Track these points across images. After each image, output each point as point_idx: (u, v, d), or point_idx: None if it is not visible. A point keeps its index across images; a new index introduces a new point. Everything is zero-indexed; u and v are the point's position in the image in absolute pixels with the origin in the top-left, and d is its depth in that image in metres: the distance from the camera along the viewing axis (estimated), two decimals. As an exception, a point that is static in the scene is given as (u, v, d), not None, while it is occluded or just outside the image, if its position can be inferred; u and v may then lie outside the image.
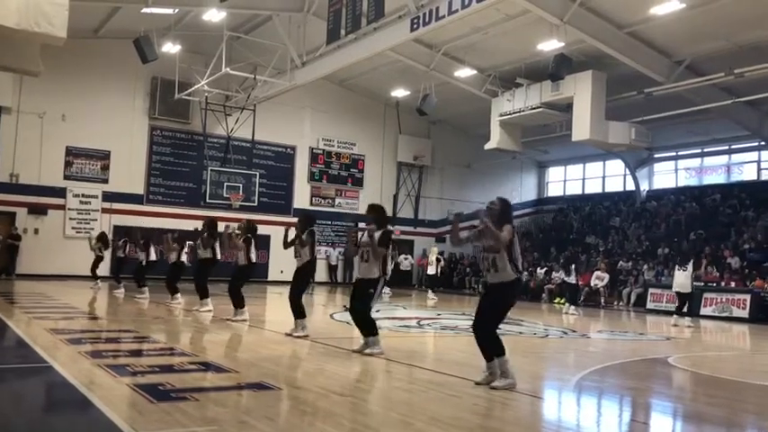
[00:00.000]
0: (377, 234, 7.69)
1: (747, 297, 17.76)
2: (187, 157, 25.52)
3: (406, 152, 29.40)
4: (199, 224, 12.89)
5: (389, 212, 28.90)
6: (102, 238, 18.21)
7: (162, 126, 25.05)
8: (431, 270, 21.45)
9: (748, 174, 26.19)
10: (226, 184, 25.46)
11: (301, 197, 27.60)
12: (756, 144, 24.86)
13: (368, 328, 7.74)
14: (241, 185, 25.73)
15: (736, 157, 26.74)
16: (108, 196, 23.91)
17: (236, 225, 11.77)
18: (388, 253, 7.78)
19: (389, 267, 7.92)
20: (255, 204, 25.53)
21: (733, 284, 18.93)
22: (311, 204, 27.48)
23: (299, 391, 5.68)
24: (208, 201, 24.76)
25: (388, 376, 6.84)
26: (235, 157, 25.87)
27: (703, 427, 5.19)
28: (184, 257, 13.91)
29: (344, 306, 12.44)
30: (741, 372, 8.34)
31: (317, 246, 9.27)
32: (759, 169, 25.71)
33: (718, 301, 18.17)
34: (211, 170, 25.15)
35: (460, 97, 24.46)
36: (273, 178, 27.01)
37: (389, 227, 8.01)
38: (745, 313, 17.44)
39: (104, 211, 23.83)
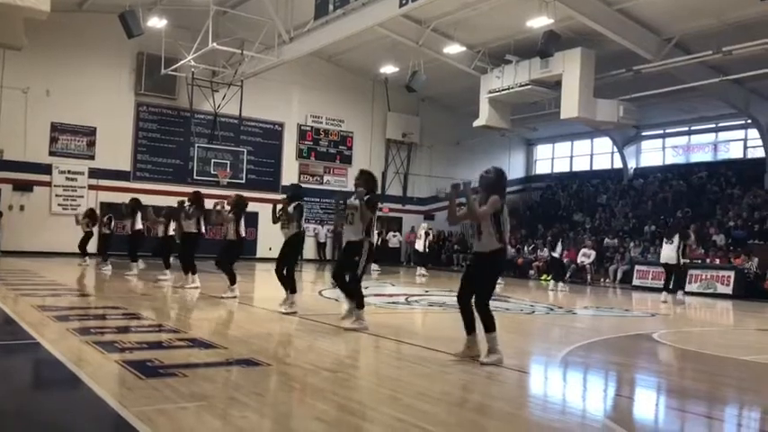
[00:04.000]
0: (364, 197, 7.73)
1: (731, 274, 18.00)
2: (174, 134, 25.32)
3: (394, 129, 29.31)
4: (185, 199, 12.81)
5: (378, 190, 28.98)
6: (90, 214, 18.11)
7: (148, 102, 24.80)
8: (419, 247, 21.50)
9: (734, 152, 26.36)
10: (213, 160, 25.37)
11: (289, 174, 27.49)
12: (743, 122, 24.99)
13: (356, 297, 7.78)
14: (228, 162, 25.63)
15: (722, 135, 26.89)
16: (94, 173, 23.73)
17: (225, 201, 11.71)
18: (374, 217, 7.80)
19: (375, 231, 7.93)
20: (243, 181, 25.44)
21: (718, 261, 19.15)
22: (299, 181, 27.40)
23: (288, 368, 5.72)
24: (195, 177, 24.65)
25: (376, 352, 6.89)
26: (222, 134, 25.70)
27: (686, 402, 5.29)
28: (172, 231, 13.84)
29: (332, 282, 12.47)
30: (724, 347, 8.46)
31: (304, 222, 9.26)
32: (745, 147, 25.87)
33: (703, 277, 18.38)
34: (198, 147, 25.00)
35: (449, 74, 24.35)
36: (261, 155, 26.89)
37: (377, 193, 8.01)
38: (729, 290, 17.68)
39: (91, 187, 23.66)
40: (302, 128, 27.86)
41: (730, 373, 6.70)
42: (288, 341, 7.50)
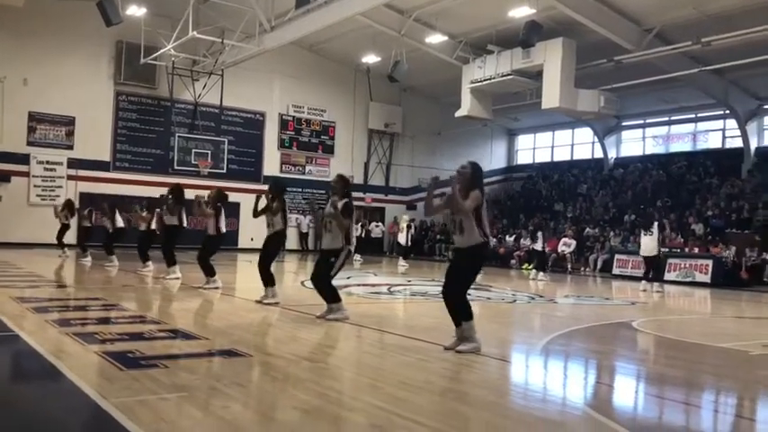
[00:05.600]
0: (339, 204, 7.70)
1: (709, 262, 18.22)
2: (154, 124, 25.09)
3: (377, 119, 29.27)
4: (166, 191, 12.73)
5: (361, 180, 28.97)
6: (68, 205, 17.91)
7: (128, 91, 24.53)
8: (401, 238, 21.53)
9: (713, 142, 26.64)
10: (194, 150, 25.18)
11: (271, 164, 27.38)
12: (721, 113, 25.26)
13: (330, 295, 7.79)
14: (209, 152, 25.46)
15: (701, 126, 27.16)
16: (73, 163, 23.45)
17: (205, 194, 11.63)
18: (352, 223, 7.79)
19: (353, 237, 7.93)
20: (224, 171, 25.30)
21: (696, 250, 19.39)
22: (281, 172, 27.29)
23: (269, 358, 5.71)
24: (176, 168, 24.46)
25: (358, 342, 6.91)
26: (203, 124, 25.51)
27: (665, 388, 5.36)
28: (154, 225, 13.75)
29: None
30: (702, 335, 8.58)
31: (287, 215, 9.24)
32: (724, 137, 26.16)
33: (682, 266, 18.59)
34: (179, 136, 24.79)
35: (431, 64, 24.34)
36: (243, 145, 26.73)
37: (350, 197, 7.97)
38: (707, 278, 17.90)
39: (70, 178, 23.40)
40: (284, 117, 27.73)
41: (708, 359, 6.79)
42: (269, 331, 7.49)
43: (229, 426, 3.66)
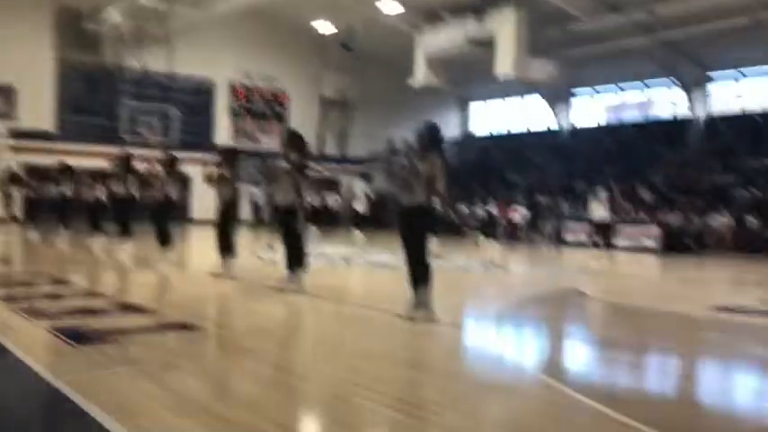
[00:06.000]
0: (295, 159, 7.65)
1: (657, 228, 18.76)
2: (100, 92, 24.29)
3: (330, 88, 28.95)
4: (114, 161, 12.35)
5: (315, 150, 28.69)
6: (12, 177, 17.30)
7: (71, 58, 23.64)
8: (359, 207, 21.40)
9: (661, 111, 27.18)
10: (142, 119, 24.52)
11: (222, 133, 26.89)
12: (670, 82, 25.73)
13: (297, 259, 7.72)
14: (158, 121, 24.84)
15: (651, 95, 27.64)
16: (15, 133, 22.60)
17: (155, 161, 11.24)
18: (305, 181, 7.73)
19: (308, 197, 7.88)
20: (174, 140, 24.74)
21: (645, 216, 19.91)
22: (233, 141, 26.83)
23: (224, 331, 5.66)
24: (124, 137, 23.80)
25: (315, 313, 6.90)
26: (150, 92, 24.82)
27: (614, 352, 5.51)
28: (103, 196, 13.36)
29: (269, 244, 12.37)
30: (650, 298, 8.83)
31: (239, 183, 9.11)
32: (672, 107, 26.70)
33: (631, 233, 19.08)
34: (126, 105, 24.08)
35: (385, 32, 24.13)
36: (192, 113, 26.13)
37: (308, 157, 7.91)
38: (654, 243, 18.44)
39: (12, 149, 22.56)
40: (234, 86, 27.18)
41: (655, 323, 7.00)
42: (224, 304, 7.41)
43: (184, 399, 3.62)
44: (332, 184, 29.39)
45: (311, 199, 22.75)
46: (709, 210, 19.41)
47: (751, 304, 8.15)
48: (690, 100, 24.64)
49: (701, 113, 24.78)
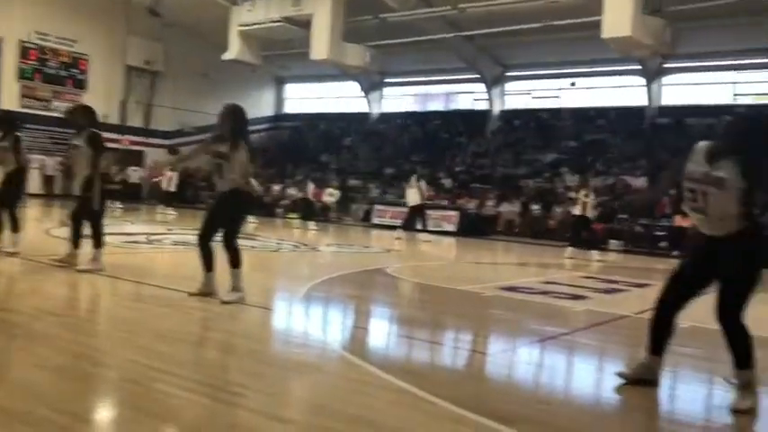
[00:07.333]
0: (84, 134, 7.20)
1: (456, 214, 20.07)
2: None
3: (136, 55, 27.19)
4: None
5: (118, 120, 26.87)
6: None
7: None
8: (166, 183, 20.39)
9: (464, 103, 29.01)
10: None
11: (9, 97, 24.18)
12: (472, 76, 27.52)
13: (93, 237, 7.24)
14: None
15: (454, 87, 29.37)
16: None
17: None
18: (98, 155, 7.27)
19: (100, 170, 7.40)
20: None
21: (446, 202, 21.18)
22: (22, 106, 24.26)
23: (8, 314, 5.14)
24: None
25: (112, 294, 6.51)
26: None
27: (414, 329, 5.82)
28: None
29: (62, 221, 11.42)
30: (446, 279, 9.44)
31: (26, 153, 8.28)
32: (472, 100, 28.60)
33: (433, 217, 20.18)
34: None
35: (199, 2, 23.13)
36: (-28, 73, 23.24)
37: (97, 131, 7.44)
38: (453, 227, 19.70)
39: None
40: (25, 45, 24.56)
41: (451, 301, 7.51)
42: (8, 284, 6.74)
43: (-45, 391, 3.25)
44: (135, 158, 27.74)
45: (112, 173, 21.34)
46: (501, 198, 21.12)
47: (532, 284, 9.04)
48: (489, 95, 26.55)
49: (497, 108, 26.80)
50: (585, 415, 3.71)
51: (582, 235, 14.53)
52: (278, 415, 3.28)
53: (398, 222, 17.22)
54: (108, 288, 6.66)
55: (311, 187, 19.09)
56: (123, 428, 3.10)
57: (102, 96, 26.23)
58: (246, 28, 22.44)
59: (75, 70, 25.98)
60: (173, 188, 20.38)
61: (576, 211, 14.18)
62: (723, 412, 3.80)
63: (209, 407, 3.33)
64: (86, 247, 7.29)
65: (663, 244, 16.63)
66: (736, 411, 3.72)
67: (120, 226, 14.39)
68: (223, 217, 6.01)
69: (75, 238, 7.34)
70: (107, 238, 7.71)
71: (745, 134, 3.69)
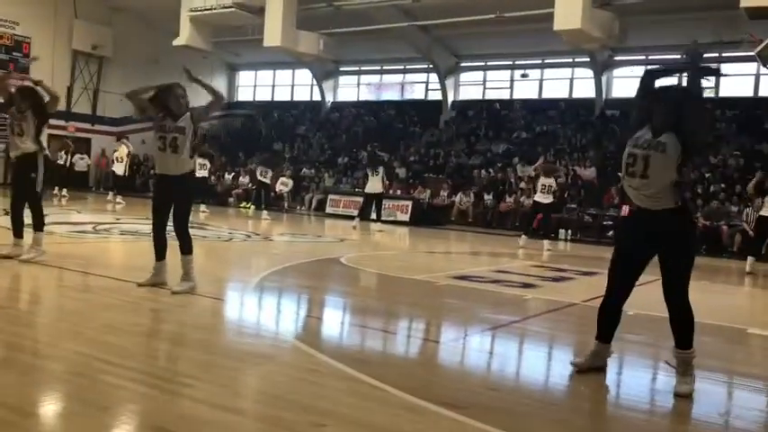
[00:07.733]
0: (27, 101, 7.03)
1: (409, 203, 20.15)
2: None
3: (82, 40, 26.37)
4: None
5: (64, 106, 26.05)
6: None
7: None
8: (119, 170, 19.69)
9: (418, 93, 29.08)
10: None
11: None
12: (426, 66, 27.59)
13: (34, 222, 7.03)
14: None
15: (409, 77, 29.41)
16: None
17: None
18: (43, 127, 7.07)
19: (46, 149, 7.19)
20: None
21: (399, 192, 21.24)
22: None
23: (-56, 306, 4.97)
24: None
25: (58, 285, 6.34)
26: None
27: (367, 318, 5.84)
28: None
29: (4, 210, 11.05)
30: (400, 268, 9.48)
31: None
32: (426, 90, 28.69)
33: (386, 206, 20.22)
34: None
35: (148, -15, 22.59)
36: None
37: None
38: (406, 217, 19.79)
39: None
40: (-36, 27, 23.61)
41: (404, 290, 7.55)
42: (-55, 276, 6.50)
43: None
44: (82, 144, 26.97)
45: (60, 159, 20.71)
46: (455, 188, 21.28)
47: (484, 273, 9.16)
48: (443, 85, 26.67)
49: (451, 98, 26.95)
50: (534, 400, 3.78)
51: (548, 221, 14.32)
52: (229, 405, 3.25)
53: (353, 212, 17.20)
54: (53, 278, 6.49)
55: (269, 174, 18.78)
56: (70, 422, 3.03)
57: (46, 81, 25.29)
58: (198, 13, 22.02)
59: (17, 54, 25.06)
60: (123, 172, 19.66)
61: (539, 198, 13.43)
62: (666, 396, 3.93)
63: (158, 398, 3.28)
64: (28, 236, 7.08)
65: (611, 233, 17.02)
66: (677, 395, 3.89)
67: (67, 215, 14.01)
68: (173, 202, 5.92)
69: (18, 228, 7.12)
70: (53, 227, 7.50)
71: (680, 104, 3.99)
